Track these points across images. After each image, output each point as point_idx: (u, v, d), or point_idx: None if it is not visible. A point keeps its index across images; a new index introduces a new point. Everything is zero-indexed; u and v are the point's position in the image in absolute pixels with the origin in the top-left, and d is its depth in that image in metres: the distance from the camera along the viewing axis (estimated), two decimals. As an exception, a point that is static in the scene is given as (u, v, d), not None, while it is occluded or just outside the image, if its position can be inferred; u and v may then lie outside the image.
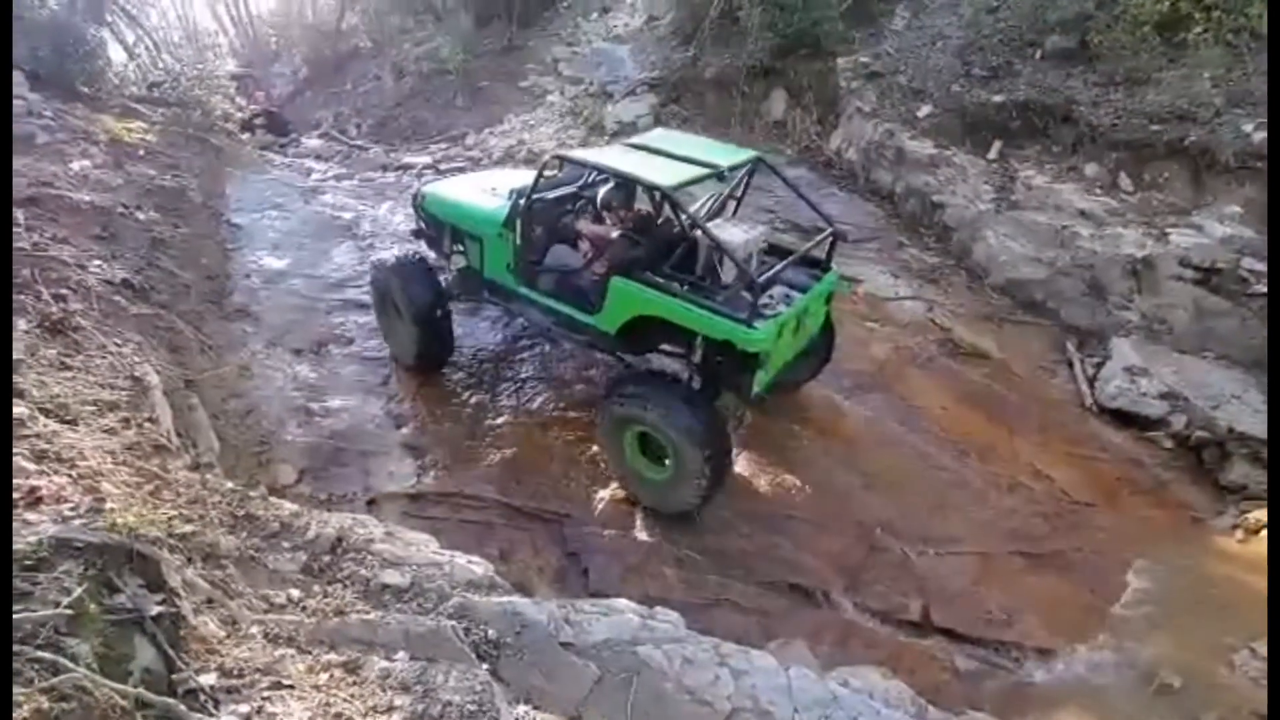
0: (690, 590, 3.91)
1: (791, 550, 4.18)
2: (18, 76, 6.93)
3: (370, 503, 4.28)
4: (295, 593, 2.70)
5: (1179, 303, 5.75)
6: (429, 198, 5.20)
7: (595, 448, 4.67)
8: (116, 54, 9.38)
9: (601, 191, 4.47)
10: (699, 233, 4.06)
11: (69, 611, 1.67)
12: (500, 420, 4.95)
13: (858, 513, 4.47)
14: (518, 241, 4.45)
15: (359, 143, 12.27)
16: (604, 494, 4.45)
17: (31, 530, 1.86)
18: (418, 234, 5.42)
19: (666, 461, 4.04)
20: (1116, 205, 6.27)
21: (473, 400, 5.12)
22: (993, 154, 7.15)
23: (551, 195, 4.77)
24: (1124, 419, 5.39)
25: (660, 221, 4.57)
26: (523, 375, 5.35)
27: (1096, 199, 6.34)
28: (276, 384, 4.99)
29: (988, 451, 5.02)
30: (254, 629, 2.34)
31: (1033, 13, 7.53)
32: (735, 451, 4.40)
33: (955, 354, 5.88)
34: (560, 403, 5.13)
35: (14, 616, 1.60)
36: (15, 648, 1.56)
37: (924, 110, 7.77)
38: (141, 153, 6.83)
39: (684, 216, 4.00)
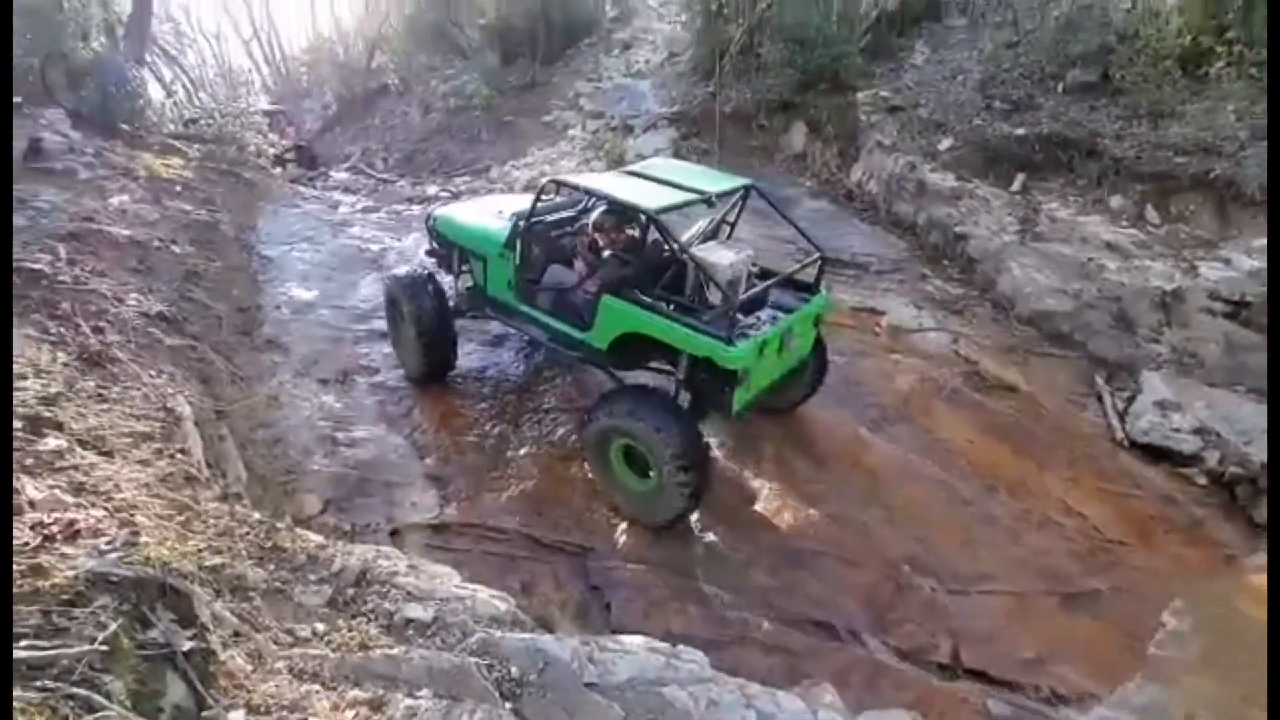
0: (714, 627, 3.83)
1: (816, 586, 4.10)
2: (59, 114, 7.23)
3: (393, 533, 4.28)
4: (320, 626, 2.69)
5: (1209, 336, 5.65)
6: (440, 219, 5.48)
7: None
8: (155, 92, 9.77)
9: (593, 215, 4.67)
10: (693, 250, 4.24)
11: (104, 648, 1.68)
12: (523, 451, 4.96)
13: (884, 548, 4.38)
14: (517, 261, 4.71)
15: (386, 176, 12.58)
16: (626, 527, 4.41)
17: (70, 564, 1.89)
18: (431, 253, 5.68)
19: (650, 474, 4.12)
20: (1143, 238, 6.22)
21: (495, 431, 5.14)
22: (1016, 186, 7.15)
23: (550, 218, 5.02)
24: (1156, 454, 5.27)
25: (650, 244, 4.74)
26: (545, 406, 5.36)
27: (1122, 231, 6.29)
28: (304, 414, 5.05)
29: (1017, 486, 4.91)
30: (280, 664, 2.33)
31: (1053, 47, 7.59)
32: (758, 485, 4.35)
33: (981, 386, 5.80)
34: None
35: (50, 653, 1.62)
36: (51, 684, 1.58)
37: (945, 143, 7.81)
38: (178, 188, 7.06)
39: (670, 238, 4.12)
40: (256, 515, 3.28)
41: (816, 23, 9.10)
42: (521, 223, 4.64)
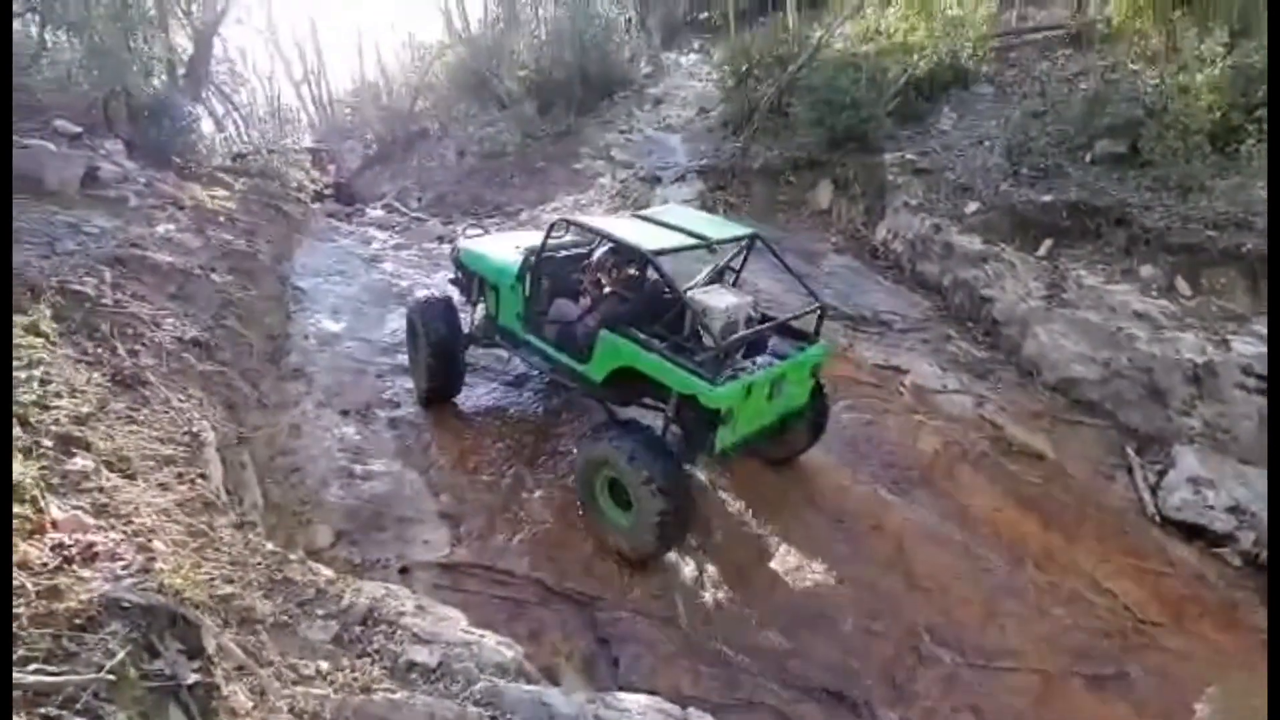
0: (724, 689, 3.70)
1: (832, 652, 3.96)
2: (117, 145, 7.56)
3: (403, 570, 4.24)
4: (324, 664, 2.64)
5: (1244, 412, 5.50)
6: (463, 250, 5.77)
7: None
8: (208, 127, 10.21)
9: (597, 253, 4.86)
10: (693, 294, 4.45)
11: (110, 677, 1.66)
12: (537, 494, 4.92)
13: (904, 616, 4.24)
14: (525, 293, 4.94)
15: (419, 215, 12.92)
16: (638, 578, 4.32)
17: (85, 588, 1.89)
18: (454, 282, 5.95)
19: (632, 506, 4.16)
20: (1174, 309, 6.13)
21: (511, 471, 5.11)
22: (1042, 251, 7.14)
23: (561, 255, 5.23)
24: (1189, 532, 5.10)
25: (651, 283, 4.90)
26: (562, 449, 5.34)
27: (1153, 302, 6.22)
28: (324, 444, 5.08)
29: (1044, 558, 4.76)
30: (281, 702, 2.28)
31: (1081, 118, 7.67)
32: (774, 541, 4.26)
33: (1007, 452, 5.68)
34: (598, 480, 5.08)
35: (57, 679, 1.60)
36: (54, 712, 1.55)
37: (971, 206, 7.86)
38: (221, 218, 7.31)
39: (663, 278, 4.29)
40: (270, 545, 3.27)
41: (845, 86, 9.32)
42: (531, 257, 4.90)
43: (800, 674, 3.82)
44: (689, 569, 4.42)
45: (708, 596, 4.26)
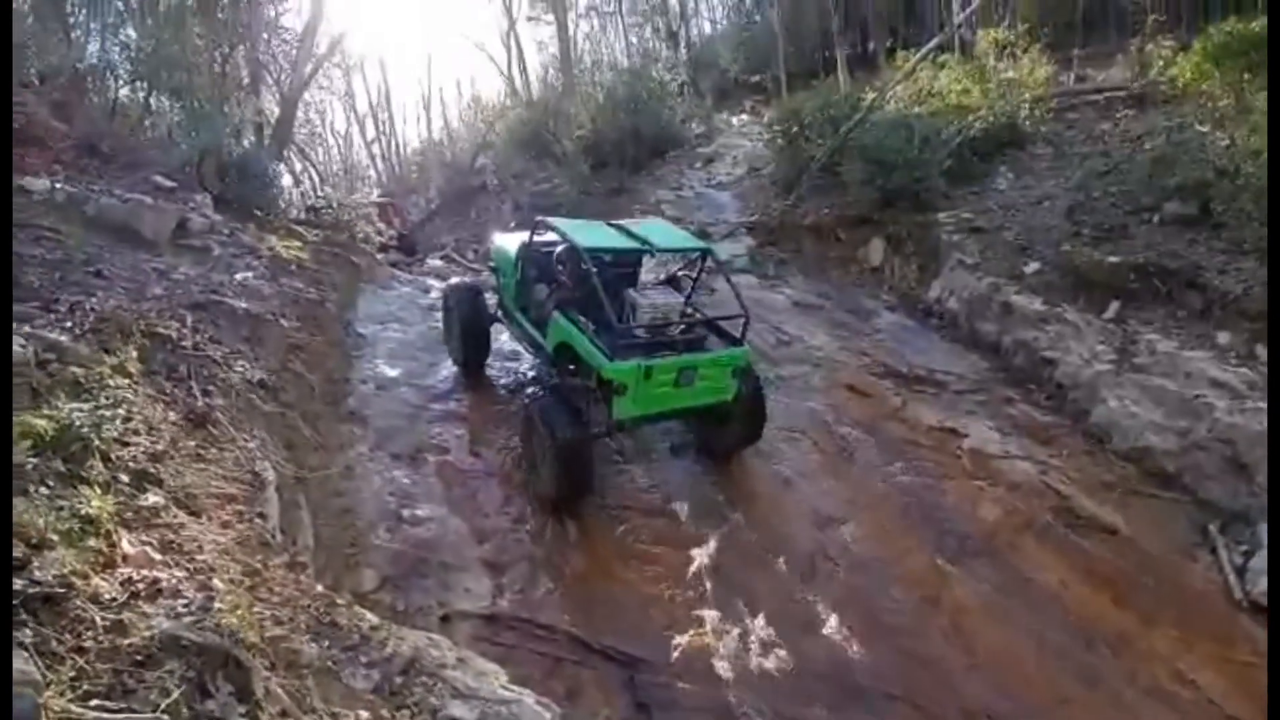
0: (769, 767, 3.51)
1: (886, 733, 3.72)
2: (206, 199, 8.15)
3: (444, 619, 4.22)
4: (365, 714, 2.63)
5: (1343, 491, 5.06)
6: (493, 248, 7.09)
7: (675, 587, 4.49)
8: (286, 182, 10.93)
9: (558, 249, 5.83)
10: (629, 290, 5.49)
11: (165, 717, 1.69)
12: (582, 547, 4.87)
13: (963, 696, 3.97)
14: (517, 279, 6.14)
15: (474, 265, 13.39)
16: (681, 639, 4.19)
17: (148, 624, 1.95)
18: (490, 271, 7.30)
19: None
20: (1255, 377, 5.77)
21: (554, 521, 5.09)
22: (1110, 314, 6.87)
23: (544, 250, 6.07)
24: (1282, 620, 4.63)
25: (610, 277, 5.53)
26: (606, 502, 5.30)
27: (1232, 370, 5.87)
28: (374, 487, 5.18)
29: (1119, 643, 4.40)
30: (322, 752, 2.28)
31: (1147, 179, 7.47)
32: (821, 609, 4.07)
33: (1075, 524, 5.34)
34: (642, 535, 5.02)
35: (116, 716, 1.64)
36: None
37: (1031, 266, 7.67)
38: (294, 267, 7.73)
39: (593, 271, 5.02)
40: (319, 587, 3.32)
41: (898, 146, 9.35)
42: (521, 250, 6.10)
43: (851, 755, 3.59)
44: (734, 632, 4.27)
45: (753, 663, 4.09)
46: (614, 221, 5.93)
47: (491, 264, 7.12)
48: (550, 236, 5.90)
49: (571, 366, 5.36)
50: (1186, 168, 7.15)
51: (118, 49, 10.00)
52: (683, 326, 5.32)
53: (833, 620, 4.34)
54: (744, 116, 18.76)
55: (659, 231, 5.84)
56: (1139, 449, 5.96)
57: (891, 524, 5.27)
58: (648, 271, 6.64)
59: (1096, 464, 5.98)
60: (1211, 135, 7.71)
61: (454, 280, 7.31)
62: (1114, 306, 6.92)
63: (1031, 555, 5.04)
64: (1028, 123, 10.27)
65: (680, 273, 6.44)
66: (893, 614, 4.47)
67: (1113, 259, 7.07)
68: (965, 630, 4.40)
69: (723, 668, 4.01)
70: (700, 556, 4.82)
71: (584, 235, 5.41)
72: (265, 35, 11.50)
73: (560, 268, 5.73)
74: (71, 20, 9.93)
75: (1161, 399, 6.01)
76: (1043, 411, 6.70)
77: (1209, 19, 10.25)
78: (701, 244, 6.02)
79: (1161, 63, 10.17)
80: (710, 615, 4.34)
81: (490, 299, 6.95)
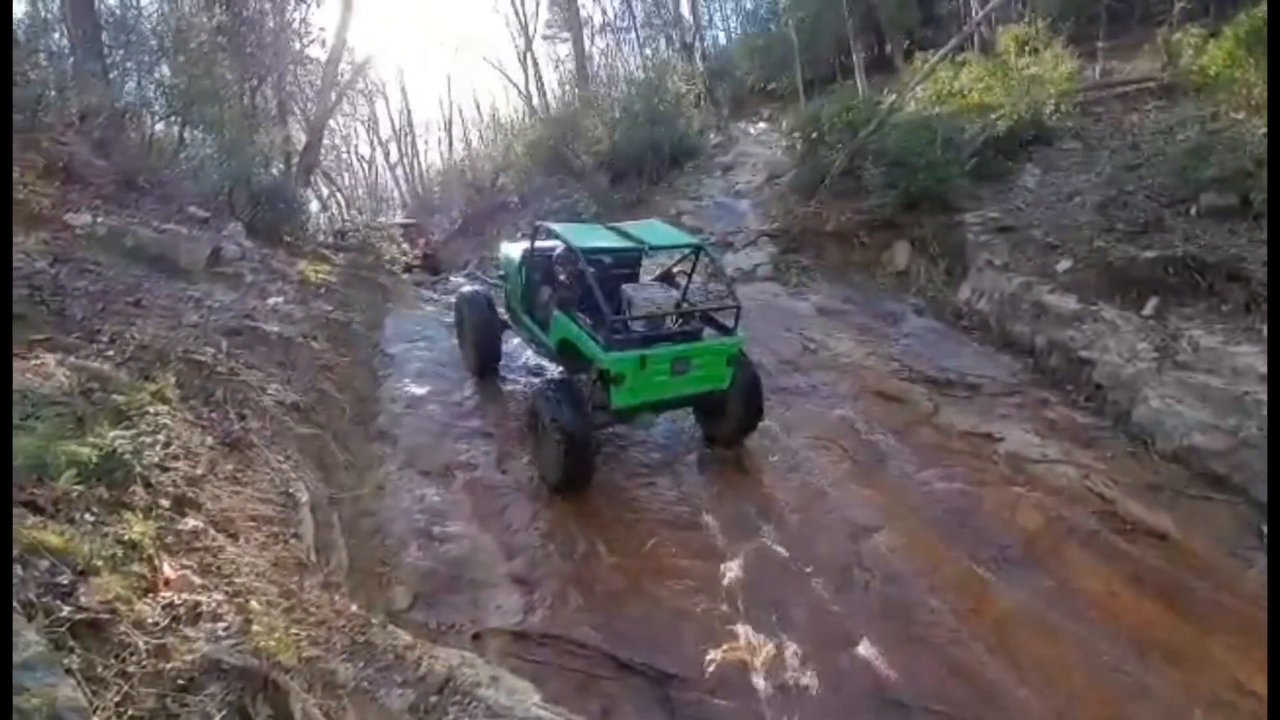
0: (810, 787, 3.42)
1: (930, 752, 3.61)
2: (238, 226, 8.38)
3: (475, 636, 4.21)
4: (401, 735, 2.64)
5: None
6: (500, 256, 7.43)
7: (708, 601, 4.42)
8: (313, 207, 11.21)
9: (557, 251, 6.16)
10: (624, 286, 5.72)
11: (207, 741, 1.71)
12: (612, 561, 4.84)
13: (1010, 713, 3.83)
14: (521, 284, 6.44)
15: (496, 282, 13.53)
16: (715, 655, 4.12)
17: (189, 647, 1.97)
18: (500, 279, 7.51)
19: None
20: (1308, 371, 5.54)
21: (585, 537, 5.07)
22: (1149, 310, 6.66)
23: (545, 253, 6.35)
24: (1350, 627, 4.40)
25: (606, 277, 5.75)
26: (636, 517, 5.27)
27: (1281, 363, 5.64)
28: (404, 505, 5.22)
29: (1174, 654, 4.21)
30: (359, 774, 2.28)
31: (1181, 171, 7.27)
32: (858, 619, 3.97)
33: (1121, 530, 5.16)
34: (672, 548, 4.97)
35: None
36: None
37: (1063, 264, 7.49)
38: (322, 290, 7.90)
39: (590, 270, 5.21)
40: (354, 607, 3.34)
41: (919, 148, 9.24)
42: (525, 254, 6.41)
43: (895, 773, 3.49)
44: (769, 646, 4.19)
45: (789, 677, 4.01)
46: (609, 225, 6.23)
47: (499, 271, 7.43)
48: (551, 241, 6.24)
49: (574, 362, 5.62)
50: (1223, 157, 6.94)
51: (153, 86, 10.40)
52: (678, 319, 5.61)
53: (870, 633, 4.24)
54: (761, 124, 18.75)
55: (653, 231, 6.08)
56: (1185, 449, 5.75)
57: (927, 533, 5.14)
58: (650, 271, 6.97)
59: (1141, 466, 5.78)
60: (1248, 123, 7.48)
61: (465, 288, 7.65)
62: (1153, 302, 6.72)
63: (1076, 562, 4.87)
64: (1053, 118, 10.08)
65: (676, 270, 6.77)
66: (932, 626, 4.35)
67: (1149, 254, 6.88)
68: (1009, 642, 4.26)
69: (758, 683, 3.93)
70: (732, 569, 4.76)
71: (581, 237, 5.71)
72: (292, 66, 11.84)
73: (560, 269, 6.07)
74: (109, 60, 10.35)
75: (1207, 396, 5.80)
76: (1081, 413, 6.50)
77: (1238, 4, 9.97)
78: (694, 240, 6.33)
79: (1191, 51, 9.92)
80: (744, 630, 4.27)
81: (502, 309, 7.23)
